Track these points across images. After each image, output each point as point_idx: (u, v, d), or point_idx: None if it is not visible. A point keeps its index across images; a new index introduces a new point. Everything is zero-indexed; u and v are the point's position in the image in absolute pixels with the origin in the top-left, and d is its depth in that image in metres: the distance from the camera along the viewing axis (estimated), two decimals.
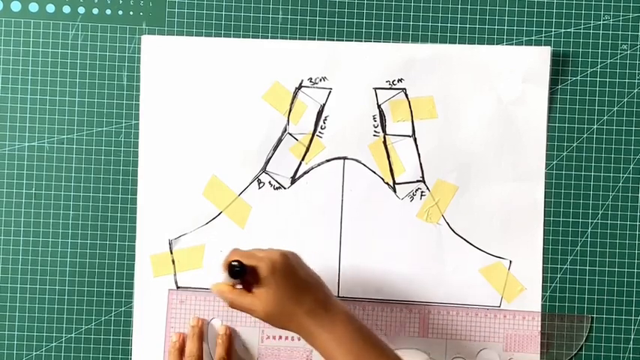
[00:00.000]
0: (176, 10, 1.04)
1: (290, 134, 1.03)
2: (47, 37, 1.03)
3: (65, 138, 1.03)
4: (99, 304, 1.03)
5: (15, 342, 1.03)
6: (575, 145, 1.04)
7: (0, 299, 1.03)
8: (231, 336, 1.02)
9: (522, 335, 1.02)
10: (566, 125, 1.04)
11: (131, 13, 1.04)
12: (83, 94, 1.04)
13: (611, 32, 1.04)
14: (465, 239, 1.03)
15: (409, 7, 1.04)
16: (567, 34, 1.04)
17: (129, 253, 1.03)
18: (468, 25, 1.04)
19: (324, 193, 1.03)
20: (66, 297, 1.03)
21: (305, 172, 1.03)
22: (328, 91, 1.03)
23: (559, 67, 1.04)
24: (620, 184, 1.04)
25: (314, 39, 1.04)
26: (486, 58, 1.03)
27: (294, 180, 1.03)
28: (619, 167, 1.04)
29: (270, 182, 1.03)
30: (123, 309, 1.03)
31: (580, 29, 1.04)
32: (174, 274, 1.03)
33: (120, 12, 1.04)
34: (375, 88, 1.03)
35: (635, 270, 1.04)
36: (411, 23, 1.04)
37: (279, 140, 1.03)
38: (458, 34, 1.04)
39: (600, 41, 1.04)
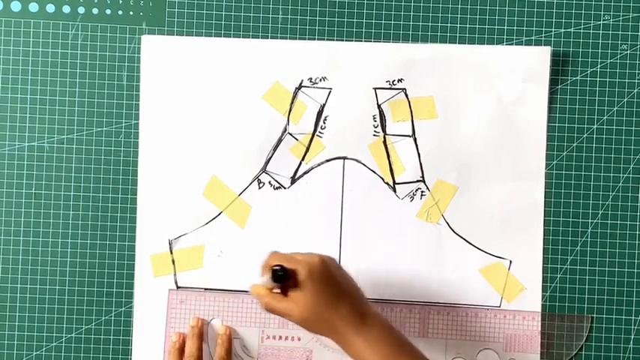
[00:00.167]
0: (176, 10, 1.04)
1: (290, 134, 1.03)
2: (47, 37, 1.03)
3: (65, 138, 1.03)
4: (99, 304, 1.03)
5: (15, 342, 1.03)
6: (575, 145, 1.04)
7: (0, 299, 1.03)
8: (231, 336, 1.02)
9: (522, 335, 1.02)
10: (566, 125, 1.04)
11: (131, 13, 1.04)
12: (83, 94, 1.04)
13: (611, 32, 1.04)
14: (465, 239, 1.03)
15: (409, 7, 1.04)
16: (567, 34, 1.04)
17: (129, 253, 1.03)
18: (468, 25, 1.04)
19: (324, 193, 1.03)
20: (66, 297, 1.03)
21: (305, 172, 1.03)
22: (328, 91, 1.03)
23: (559, 67, 1.04)
24: (620, 184, 1.04)
25: (314, 39, 1.04)
26: (486, 58, 1.03)
27: (294, 180, 1.03)
28: (619, 167, 1.04)
29: (270, 182, 1.03)
30: (123, 309, 1.03)
31: (580, 29, 1.04)
32: (174, 274, 1.03)
33: (120, 12, 1.04)
34: (375, 88, 1.03)
35: (635, 270, 1.04)
36: (411, 23, 1.04)
37: (279, 140, 1.03)
38: (458, 34, 1.04)
39: (600, 41, 1.04)
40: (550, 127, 1.04)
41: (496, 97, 1.03)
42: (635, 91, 1.04)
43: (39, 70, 1.03)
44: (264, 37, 1.04)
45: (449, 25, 1.04)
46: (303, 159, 1.03)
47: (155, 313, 1.03)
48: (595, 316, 1.03)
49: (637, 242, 1.04)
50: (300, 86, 1.03)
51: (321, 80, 1.03)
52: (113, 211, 1.04)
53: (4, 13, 1.03)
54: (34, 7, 1.03)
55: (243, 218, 1.03)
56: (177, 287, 1.03)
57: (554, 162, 1.04)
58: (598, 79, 1.04)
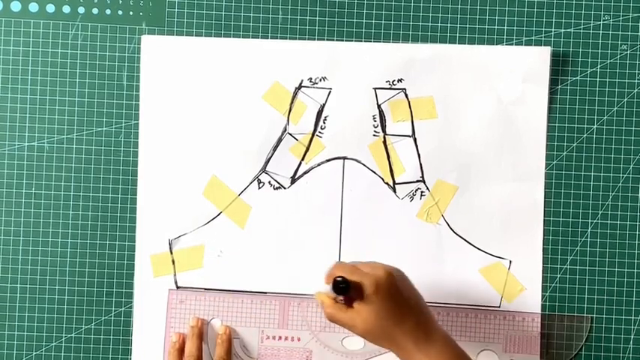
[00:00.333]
0: (176, 10, 1.04)
1: (290, 134, 1.03)
2: (47, 37, 1.03)
3: (65, 138, 1.03)
4: (99, 304, 1.03)
5: (15, 342, 1.03)
6: (575, 145, 1.04)
7: (0, 299, 1.03)
8: (231, 336, 1.02)
9: (522, 336, 1.02)
10: (566, 125, 1.04)
11: (131, 13, 1.04)
12: (83, 94, 1.04)
13: (611, 32, 1.04)
14: (464, 239, 1.03)
15: (409, 7, 1.04)
16: (567, 34, 1.04)
17: (129, 253, 1.03)
18: (468, 25, 1.04)
19: (324, 193, 1.03)
20: (66, 297, 1.03)
21: (305, 172, 1.03)
22: (328, 91, 1.03)
23: (559, 67, 1.04)
24: (620, 184, 1.04)
25: (314, 39, 1.04)
26: (486, 58, 1.03)
27: (294, 180, 1.03)
28: (619, 167, 1.04)
29: (270, 182, 1.03)
30: (123, 309, 1.03)
31: (580, 29, 1.04)
32: (174, 274, 1.03)
33: (120, 12, 1.04)
34: (375, 88, 1.03)
35: (635, 270, 1.04)
36: (411, 23, 1.04)
37: (279, 140, 1.03)
38: (458, 34, 1.04)
39: (600, 41, 1.04)
40: (550, 127, 1.04)
41: (496, 97, 1.03)
42: (635, 91, 1.04)
43: (39, 70, 1.03)
44: (264, 37, 1.04)
45: (449, 25, 1.04)
46: (303, 159, 1.03)
47: (155, 313, 1.03)
48: (595, 316, 1.03)
49: (637, 242, 1.04)
50: (300, 86, 1.03)
51: (321, 80, 1.03)
52: (113, 211, 1.04)
53: (4, 13, 1.03)
54: (34, 7, 1.03)
55: (243, 218, 1.03)
56: (177, 287, 1.03)
57: (554, 162, 1.04)
58: (598, 79, 1.04)
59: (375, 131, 1.03)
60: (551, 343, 1.03)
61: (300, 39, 1.04)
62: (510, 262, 1.03)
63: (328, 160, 1.03)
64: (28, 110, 1.03)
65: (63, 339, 1.03)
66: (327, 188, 1.03)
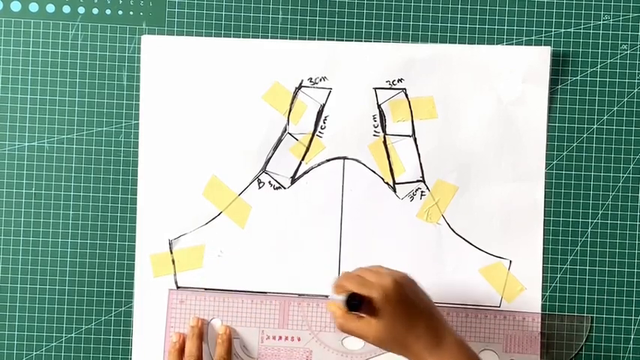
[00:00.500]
0: (176, 10, 1.04)
1: (290, 134, 1.03)
2: (47, 37, 1.03)
3: (65, 138, 1.03)
4: (99, 304, 1.03)
5: (15, 342, 1.03)
6: (575, 145, 1.04)
7: (0, 299, 1.03)
8: (231, 336, 1.02)
9: (522, 335, 1.02)
10: (566, 125, 1.04)
11: (131, 13, 1.04)
12: (83, 94, 1.04)
13: (611, 32, 1.04)
14: (464, 239, 1.03)
15: (409, 7, 1.04)
16: (567, 34, 1.04)
17: (129, 253, 1.03)
18: (468, 25, 1.04)
19: (324, 193, 1.03)
20: (66, 297, 1.03)
21: (305, 172, 1.03)
22: (328, 91, 1.03)
23: (559, 67, 1.04)
24: (620, 184, 1.04)
25: (314, 39, 1.04)
26: (486, 58, 1.03)
27: (294, 180, 1.03)
28: (619, 167, 1.04)
29: (270, 182, 1.03)
30: (123, 309, 1.03)
31: (580, 29, 1.04)
32: (174, 274, 1.03)
33: (120, 12, 1.04)
34: (375, 88, 1.03)
35: (635, 270, 1.04)
36: (411, 23, 1.04)
37: (279, 140, 1.03)
38: (458, 34, 1.04)
39: (600, 41, 1.04)
40: (550, 127, 1.04)
41: (496, 97, 1.03)
42: (635, 91, 1.04)
43: (39, 70, 1.03)
44: (264, 37, 1.04)
45: (449, 25, 1.04)
46: (303, 159, 1.03)
47: (155, 313, 1.03)
48: (595, 316, 1.03)
49: (637, 242, 1.04)
50: (300, 86, 1.03)
51: (321, 80, 1.03)
52: (113, 211, 1.04)
53: (4, 13, 1.03)
54: (34, 7, 1.03)
55: (243, 218, 1.03)
56: (177, 287, 1.03)
57: (554, 162, 1.04)
58: (598, 79, 1.04)
59: (375, 131, 1.03)
60: (551, 343, 1.03)
61: (300, 39, 1.04)
62: (510, 262, 1.03)
63: (328, 160, 1.03)
64: (28, 110, 1.03)
65: (63, 339, 1.03)
66: (327, 188, 1.03)
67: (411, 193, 1.03)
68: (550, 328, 1.03)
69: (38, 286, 1.03)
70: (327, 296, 1.02)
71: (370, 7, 1.04)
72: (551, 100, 1.04)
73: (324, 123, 1.03)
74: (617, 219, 1.04)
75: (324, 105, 1.03)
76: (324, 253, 1.03)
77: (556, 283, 1.03)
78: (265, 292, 1.03)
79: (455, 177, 1.03)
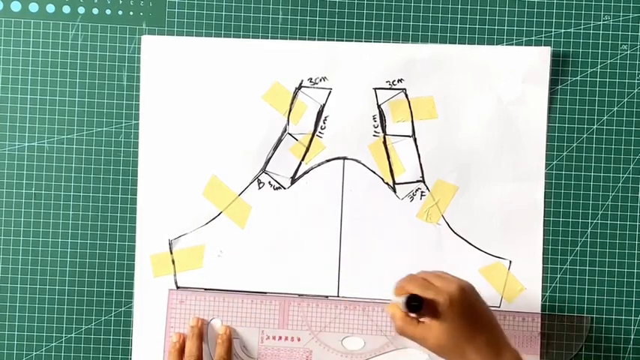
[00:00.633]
0: (176, 10, 1.04)
1: (290, 134, 1.03)
2: (47, 37, 1.03)
3: (65, 138, 1.03)
4: (99, 304, 1.03)
5: (15, 342, 1.03)
6: (575, 145, 1.04)
7: (0, 299, 1.03)
8: (231, 336, 1.02)
9: (522, 336, 1.02)
10: (566, 125, 1.04)
11: (131, 13, 1.04)
12: (83, 94, 1.04)
13: (611, 32, 1.04)
14: (464, 239, 1.03)
15: (409, 7, 1.04)
16: (567, 34, 1.04)
17: (129, 253, 1.03)
18: (468, 25, 1.04)
19: (324, 193, 1.03)
20: (66, 297, 1.03)
21: (305, 172, 1.03)
22: (328, 91, 1.03)
23: (559, 67, 1.04)
24: (620, 184, 1.04)
25: (314, 39, 1.04)
26: (486, 58, 1.03)
27: (294, 180, 1.03)
28: (619, 167, 1.04)
29: (270, 182, 1.03)
30: (123, 309, 1.03)
31: (580, 29, 1.04)
32: (174, 274, 1.03)
33: (120, 12, 1.04)
34: (375, 89, 1.03)
35: (635, 270, 1.04)
36: (411, 23, 1.04)
37: (279, 140, 1.03)
38: (458, 34, 1.04)
39: (600, 41, 1.04)
40: (550, 127, 1.04)
41: (496, 97, 1.03)
42: (635, 91, 1.04)
43: (39, 70, 1.03)
44: (264, 37, 1.04)
45: (449, 25, 1.04)
46: (303, 159, 1.03)
47: (155, 313, 1.03)
48: (595, 316, 1.03)
49: (637, 242, 1.04)
50: (300, 86, 1.03)
51: (321, 80, 1.03)
52: (113, 211, 1.04)
53: (4, 13, 1.03)
54: (34, 7, 1.03)
55: (243, 218, 1.03)
56: (177, 287, 1.03)
57: (554, 162, 1.04)
58: (598, 79, 1.04)
59: (375, 131, 1.03)
60: (551, 343, 1.03)
61: (300, 39, 1.04)
62: (510, 262, 1.03)
63: (328, 161, 1.03)
64: (28, 110, 1.03)
65: (63, 339, 1.03)
66: (327, 188, 1.03)
67: (411, 194, 1.03)
68: (550, 328, 1.03)
69: (38, 286, 1.03)
70: (327, 297, 1.02)
71: (370, 7, 1.04)
72: (551, 100, 1.04)
73: (324, 123, 1.03)
74: (617, 219, 1.04)
75: (324, 105, 1.03)
76: (324, 253, 1.03)
77: (556, 283, 1.03)
78: (265, 292, 1.03)
79: (455, 177, 1.03)
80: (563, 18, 1.04)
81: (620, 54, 1.04)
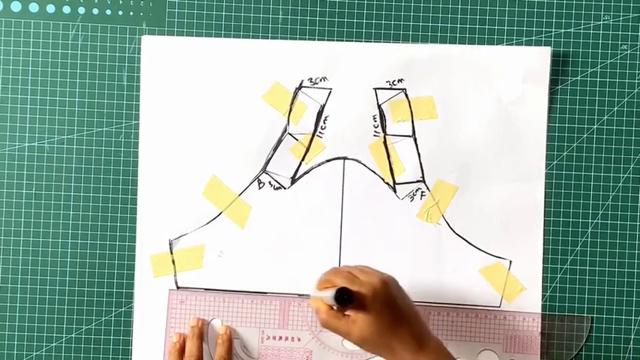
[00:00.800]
0: (176, 10, 1.04)
1: (290, 134, 1.03)
2: (47, 37, 1.03)
3: (65, 138, 1.03)
4: (99, 304, 1.03)
5: (15, 342, 1.03)
6: (575, 145, 1.04)
7: (0, 299, 1.03)
8: (231, 336, 1.02)
9: (522, 336, 1.02)
10: (566, 125, 1.04)
11: (131, 13, 1.04)
12: (83, 94, 1.04)
13: (611, 32, 1.04)
14: (464, 239, 1.03)
15: (409, 7, 1.04)
16: (567, 34, 1.04)
17: (129, 253, 1.03)
18: (468, 25, 1.04)
19: (324, 194, 1.03)
20: (66, 297, 1.03)
21: (305, 173, 1.03)
22: (328, 91, 1.03)
23: (559, 67, 1.04)
24: (620, 184, 1.04)
25: (314, 39, 1.04)
26: (486, 58, 1.03)
27: (294, 180, 1.03)
28: (619, 167, 1.04)
29: (270, 182, 1.03)
30: (123, 309, 1.03)
31: (580, 29, 1.04)
32: (175, 274, 1.03)
33: (120, 12, 1.04)
34: (375, 89, 1.03)
35: (635, 270, 1.04)
36: (411, 23, 1.04)
37: (279, 140, 1.03)
38: (458, 34, 1.04)
39: (600, 41, 1.04)
40: (550, 127, 1.04)
41: (496, 97, 1.03)
42: (635, 91, 1.04)
43: (39, 70, 1.03)
44: (264, 37, 1.04)
45: (449, 25, 1.04)
46: (303, 159, 1.03)
47: (155, 314, 1.03)
48: (595, 316, 1.03)
49: (637, 242, 1.04)
50: (300, 86, 1.03)
51: (321, 80, 1.03)
52: (113, 211, 1.04)
53: (4, 13, 1.03)
54: (34, 8, 1.03)
55: (243, 218, 1.03)
56: (178, 287, 1.03)
57: (554, 162, 1.04)
58: (598, 79, 1.04)
59: (375, 131, 1.03)
60: (551, 343, 1.03)
61: (300, 39, 1.04)
62: (510, 262, 1.03)
63: (328, 161, 1.03)
64: (28, 110, 1.03)
65: (63, 339, 1.03)
66: (327, 188, 1.03)
67: (411, 194, 1.03)
68: (550, 328, 1.03)
69: (38, 287, 1.03)
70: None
71: (370, 7, 1.04)
72: (551, 100, 1.04)
73: (324, 123, 1.03)
74: (617, 219, 1.04)
75: (324, 105, 1.03)
76: (324, 253, 1.03)
77: (556, 283, 1.03)
78: (265, 293, 1.03)
79: (455, 177, 1.03)
80: (563, 18, 1.04)
81: (620, 54, 1.04)
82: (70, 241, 1.03)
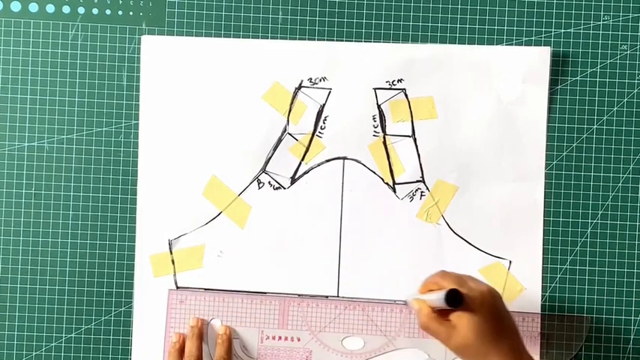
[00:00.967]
0: (176, 10, 1.04)
1: (290, 134, 1.03)
2: (47, 37, 1.03)
3: (65, 138, 1.03)
4: (99, 304, 1.03)
5: (15, 342, 1.03)
6: (575, 145, 1.04)
7: (0, 299, 1.03)
8: (231, 336, 1.02)
9: (522, 335, 1.02)
10: (566, 125, 1.04)
11: (131, 13, 1.04)
12: (83, 94, 1.04)
13: (611, 32, 1.04)
14: (464, 239, 1.03)
15: (409, 7, 1.04)
16: (567, 34, 1.04)
17: (129, 253, 1.03)
18: (467, 25, 1.04)
19: (324, 193, 1.03)
20: (66, 297, 1.03)
21: (305, 172, 1.03)
22: (328, 91, 1.03)
23: (559, 67, 1.04)
24: (620, 184, 1.04)
25: (314, 39, 1.04)
26: (486, 58, 1.03)
27: (293, 180, 1.03)
28: (619, 167, 1.04)
29: (269, 182, 1.03)
30: (123, 309, 1.03)
31: (580, 29, 1.04)
32: (174, 274, 1.03)
33: (120, 12, 1.04)
34: (375, 89, 1.03)
35: (635, 270, 1.04)
36: (411, 23, 1.04)
37: (279, 140, 1.03)
38: (458, 34, 1.04)
39: (600, 41, 1.04)
40: (550, 127, 1.04)
41: (496, 97, 1.03)
42: (635, 91, 1.04)
43: (39, 70, 1.03)
44: (264, 37, 1.04)
45: (449, 25, 1.04)
46: (302, 159, 1.03)
47: (155, 313, 1.03)
48: (595, 316, 1.03)
49: (637, 242, 1.04)
50: (300, 86, 1.03)
51: (321, 80, 1.03)
52: (113, 211, 1.04)
53: (4, 13, 1.03)
54: (34, 7, 1.03)
55: (243, 218, 1.03)
56: (177, 287, 1.03)
57: (554, 162, 1.04)
58: (598, 79, 1.04)
59: (375, 131, 1.03)
60: (551, 343, 1.03)
61: (300, 39, 1.04)
62: (510, 262, 1.03)
63: (328, 161, 1.03)
64: (28, 110, 1.03)
65: (63, 339, 1.03)
66: (327, 188, 1.03)
67: (411, 194, 1.03)
68: (550, 328, 1.03)
69: (38, 286, 1.03)
70: (327, 296, 1.02)
71: (370, 7, 1.04)
72: (551, 100, 1.04)
73: (324, 123, 1.03)
74: (617, 219, 1.04)
75: (323, 105, 1.03)
76: (324, 253, 1.03)
77: (556, 283, 1.03)
78: (265, 293, 1.03)
79: (455, 177, 1.03)
80: (563, 18, 1.04)
81: (620, 54, 1.04)
82: (69, 240, 1.03)
